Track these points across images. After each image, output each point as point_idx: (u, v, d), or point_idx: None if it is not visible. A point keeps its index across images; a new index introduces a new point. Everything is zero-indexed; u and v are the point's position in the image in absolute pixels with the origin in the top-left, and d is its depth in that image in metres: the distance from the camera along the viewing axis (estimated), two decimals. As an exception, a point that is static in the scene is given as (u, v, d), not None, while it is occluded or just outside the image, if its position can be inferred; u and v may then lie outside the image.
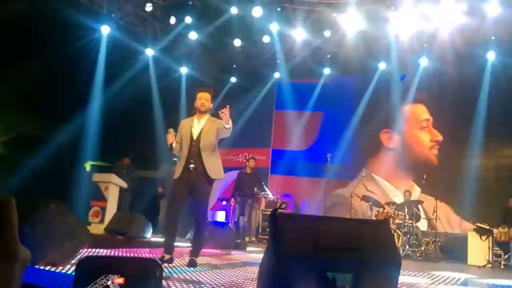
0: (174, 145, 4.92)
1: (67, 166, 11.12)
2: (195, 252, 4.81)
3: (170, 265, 4.57)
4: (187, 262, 4.72)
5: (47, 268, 3.73)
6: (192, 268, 4.51)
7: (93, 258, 2.77)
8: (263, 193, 9.71)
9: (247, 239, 8.98)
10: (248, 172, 9.53)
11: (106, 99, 11.02)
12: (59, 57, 9.76)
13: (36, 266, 3.69)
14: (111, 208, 9.13)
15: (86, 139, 10.86)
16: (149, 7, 10.69)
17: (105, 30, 10.76)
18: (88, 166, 11.27)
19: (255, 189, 9.38)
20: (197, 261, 4.77)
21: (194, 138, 4.79)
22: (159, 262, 3.81)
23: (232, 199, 9.35)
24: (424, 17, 9.54)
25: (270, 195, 9.99)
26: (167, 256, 4.67)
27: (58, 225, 4.00)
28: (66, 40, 9.64)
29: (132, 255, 5.55)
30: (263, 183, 9.85)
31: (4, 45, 9.62)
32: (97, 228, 8.60)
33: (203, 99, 4.83)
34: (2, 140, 10.78)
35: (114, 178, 9.42)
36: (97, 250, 5.42)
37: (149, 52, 11.83)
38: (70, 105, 10.47)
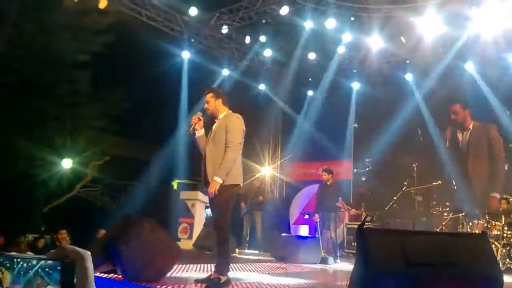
0: (197, 134, 4.50)
1: (157, 185, 11.71)
2: (218, 269, 4.22)
3: None
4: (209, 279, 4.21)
5: (143, 284, 3.91)
6: (278, 283, 4.48)
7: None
8: (347, 206, 9.34)
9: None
10: (328, 184, 8.89)
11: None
12: (146, 82, 10.43)
13: (132, 283, 3.89)
14: (198, 224, 9.47)
15: (174, 158, 11.39)
16: (225, 29, 11.12)
17: (186, 55, 11.34)
18: (175, 184, 11.80)
19: (338, 202, 8.82)
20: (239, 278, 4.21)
21: (208, 139, 4.47)
22: None
23: (316, 215, 8.96)
24: (509, 14, 8.87)
25: (347, 209, 9.59)
26: (223, 279, 4.17)
27: (152, 242, 4.14)
28: (151, 67, 10.30)
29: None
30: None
31: (96, 74, 10.46)
32: (185, 244, 8.95)
33: (205, 102, 4.56)
34: (98, 163, 11.64)
35: (200, 195, 9.76)
36: (188, 265, 5.63)
37: (227, 72, 12.23)
38: (157, 126, 11.09)
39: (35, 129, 10.10)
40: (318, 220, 8.65)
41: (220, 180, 4.17)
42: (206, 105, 4.53)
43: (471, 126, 10.75)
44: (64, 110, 10.42)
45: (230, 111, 4.54)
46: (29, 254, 4.69)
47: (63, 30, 9.82)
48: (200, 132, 4.52)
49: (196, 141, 4.55)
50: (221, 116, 4.48)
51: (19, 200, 10.05)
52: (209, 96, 4.51)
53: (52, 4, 9.65)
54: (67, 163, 10.73)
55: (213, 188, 4.15)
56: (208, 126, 4.57)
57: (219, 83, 12.04)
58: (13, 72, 9.35)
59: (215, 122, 4.51)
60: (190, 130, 4.50)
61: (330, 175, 8.81)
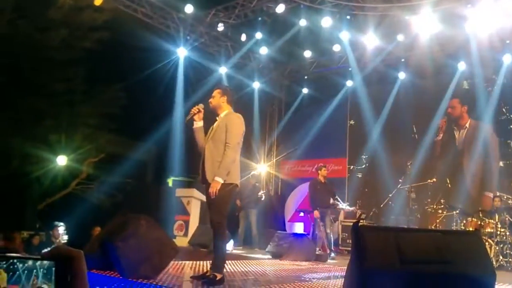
0: (195, 124, 4.51)
1: (152, 182, 11.69)
2: (213, 266, 4.23)
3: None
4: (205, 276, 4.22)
5: (139, 281, 3.93)
6: (273, 280, 4.50)
7: None
8: (340, 205, 9.33)
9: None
10: (322, 181, 8.90)
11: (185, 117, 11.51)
12: (141, 80, 10.41)
13: (129, 280, 3.90)
14: (194, 221, 9.49)
15: (169, 156, 11.38)
16: (220, 27, 11.13)
17: (182, 52, 11.31)
18: (170, 181, 11.79)
19: (331, 200, 8.85)
20: (222, 277, 4.14)
21: (208, 137, 4.45)
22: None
23: (316, 212, 8.67)
24: (504, 13, 8.93)
25: (346, 206, 9.66)
26: (219, 276, 4.15)
27: (148, 239, 4.18)
28: (147, 64, 10.28)
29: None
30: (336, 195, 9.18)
31: (92, 71, 10.42)
32: (181, 241, 8.96)
33: (211, 97, 4.57)
34: (93, 161, 11.60)
35: (195, 192, 9.77)
36: (183, 262, 5.65)
37: (223, 70, 12.22)
38: (153, 124, 11.07)
39: (30, 127, 10.05)
40: (318, 216, 8.59)
41: (221, 180, 4.17)
42: (210, 99, 4.54)
43: (467, 125, 10.78)
44: (60, 107, 10.38)
45: (232, 110, 4.54)
46: (24, 254, 4.71)
47: (58, 27, 9.78)
48: (198, 124, 4.52)
49: (194, 132, 4.54)
50: (222, 114, 4.48)
51: (14, 198, 10.01)
52: (215, 92, 4.55)
53: (48, 1, 9.60)
54: (61, 160, 10.69)
55: (214, 188, 4.15)
56: (210, 124, 4.55)
57: (214, 81, 12.04)
58: (8, 70, 9.30)
59: (217, 120, 4.51)
60: (188, 118, 4.51)
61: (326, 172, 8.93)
